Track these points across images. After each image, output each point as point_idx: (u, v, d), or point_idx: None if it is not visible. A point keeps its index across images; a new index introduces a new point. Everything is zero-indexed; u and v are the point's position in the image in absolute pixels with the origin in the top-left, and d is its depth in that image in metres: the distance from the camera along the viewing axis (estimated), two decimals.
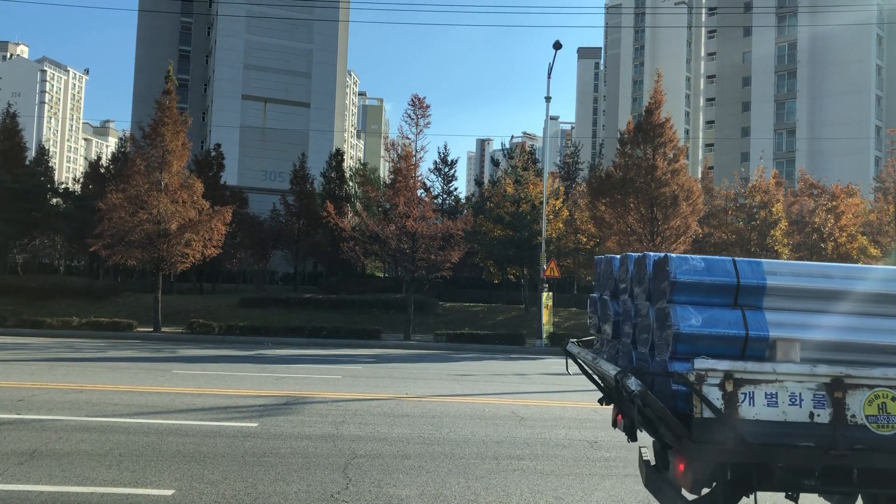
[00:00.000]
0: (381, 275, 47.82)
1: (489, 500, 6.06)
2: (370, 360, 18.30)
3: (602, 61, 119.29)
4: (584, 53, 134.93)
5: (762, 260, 4.36)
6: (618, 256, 5.61)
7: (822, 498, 4.91)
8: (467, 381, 14.36)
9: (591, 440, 8.67)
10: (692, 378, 3.76)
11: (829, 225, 31.61)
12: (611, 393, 5.52)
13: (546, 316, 25.58)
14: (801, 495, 4.15)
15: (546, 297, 25.68)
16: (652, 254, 4.64)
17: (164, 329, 25.25)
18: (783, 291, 4.17)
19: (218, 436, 8.09)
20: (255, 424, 8.81)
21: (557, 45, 24.25)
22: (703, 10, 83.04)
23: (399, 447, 7.86)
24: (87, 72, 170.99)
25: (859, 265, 5.07)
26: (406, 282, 27.21)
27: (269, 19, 58.36)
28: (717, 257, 4.39)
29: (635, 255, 5.01)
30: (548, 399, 12.17)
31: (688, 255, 4.31)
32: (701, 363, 3.79)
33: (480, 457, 7.58)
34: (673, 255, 4.27)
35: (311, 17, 60.09)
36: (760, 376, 3.79)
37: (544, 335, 24.93)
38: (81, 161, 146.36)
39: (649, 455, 5.19)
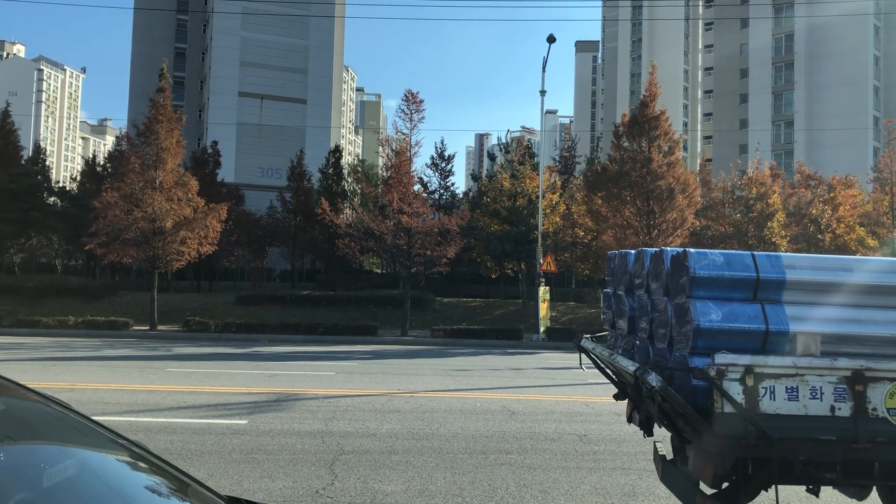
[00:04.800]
0: (378, 271, 47.77)
1: (474, 495, 6.05)
2: (365, 357, 18.30)
3: (600, 55, 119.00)
4: (582, 47, 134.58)
5: (781, 254, 4.34)
6: (633, 252, 5.55)
7: (835, 489, 4.90)
8: (461, 377, 14.35)
9: (581, 434, 8.66)
10: (713, 373, 3.74)
11: (826, 216, 31.60)
12: (626, 388, 5.50)
13: (543, 310, 25.57)
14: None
15: (543, 292, 25.66)
16: (669, 249, 4.61)
17: (160, 327, 25.25)
18: (803, 285, 4.15)
19: (206, 433, 8.07)
20: (244, 421, 8.79)
21: (551, 39, 24.19)
22: (701, 2, 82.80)
23: (387, 443, 7.85)
24: (83, 70, 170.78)
25: (880, 258, 5.02)
26: (403, 278, 27.20)
27: (264, 16, 58.21)
28: (736, 252, 4.35)
29: (651, 250, 4.98)
30: (541, 393, 12.15)
31: (707, 250, 4.27)
32: (721, 358, 3.77)
33: (468, 451, 7.56)
34: (692, 249, 4.24)
35: (306, 13, 59.93)
36: (781, 370, 3.77)
37: (541, 329, 24.92)
38: (79, 160, 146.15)
39: (665, 450, 5.17)
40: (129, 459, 1.95)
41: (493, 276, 36.96)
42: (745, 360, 3.77)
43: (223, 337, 23.61)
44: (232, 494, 5.66)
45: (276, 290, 35.45)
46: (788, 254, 4.37)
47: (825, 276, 4.17)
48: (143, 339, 22.77)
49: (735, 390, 3.74)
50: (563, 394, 12.04)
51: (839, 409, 3.77)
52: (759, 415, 3.73)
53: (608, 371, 5.65)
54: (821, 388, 3.78)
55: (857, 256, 5.26)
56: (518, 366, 17.10)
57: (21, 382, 2.02)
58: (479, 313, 31.17)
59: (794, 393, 3.77)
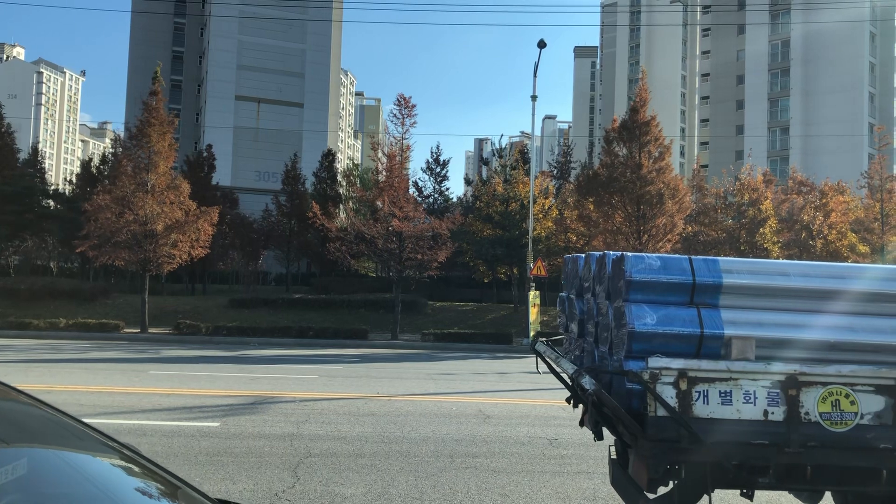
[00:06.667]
0: (373, 275, 47.81)
1: (434, 498, 6.08)
2: (353, 360, 18.32)
3: (598, 60, 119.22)
4: (581, 52, 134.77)
5: (719, 258, 4.37)
6: (583, 256, 5.62)
7: (791, 495, 4.94)
8: (444, 381, 14.38)
9: (552, 438, 8.69)
10: (646, 377, 3.77)
11: (818, 222, 31.65)
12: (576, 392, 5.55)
13: (533, 315, 25.55)
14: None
15: (533, 296, 25.66)
16: (611, 253, 4.64)
17: (152, 330, 25.26)
18: (739, 289, 4.17)
19: (176, 436, 8.10)
20: (216, 424, 8.82)
21: (542, 44, 24.29)
22: (698, 8, 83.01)
23: (356, 446, 7.88)
24: (83, 73, 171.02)
25: (816, 262, 5.07)
26: (394, 281, 27.24)
27: (262, 19, 58.34)
28: (674, 256, 4.39)
29: (597, 254, 5.02)
30: (519, 397, 12.18)
31: (644, 254, 4.31)
32: (655, 362, 3.80)
33: (436, 455, 7.59)
34: (629, 253, 4.28)
35: (304, 17, 60.08)
36: (714, 374, 3.79)
37: (531, 334, 24.93)
38: (78, 163, 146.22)
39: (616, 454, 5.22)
40: (119, 461, 1.96)
41: (486, 281, 36.96)
42: (678, 363, 3.80)
43: (213, 340, 23.63)
44: None
45: (269, 294, 35.47)
46: (726, 258, 4.41)
47: (762, 281, 4.20)
48: (133, 342, 22.79)
49: (668, 394, 3.77)
50: (542, 398, 12.06)
51: (772, 413, 3.79)
52: (692, 418, 3.75)
53: (563, 376, 5.69)
54: (754, 392, 3.81)
55: (797, 261, 5.30)
56: (504, 370, 17.13)
57: (9, 384, 2.03)
58: (470, 317, 31.18)
59: (728, 397, 3.80)
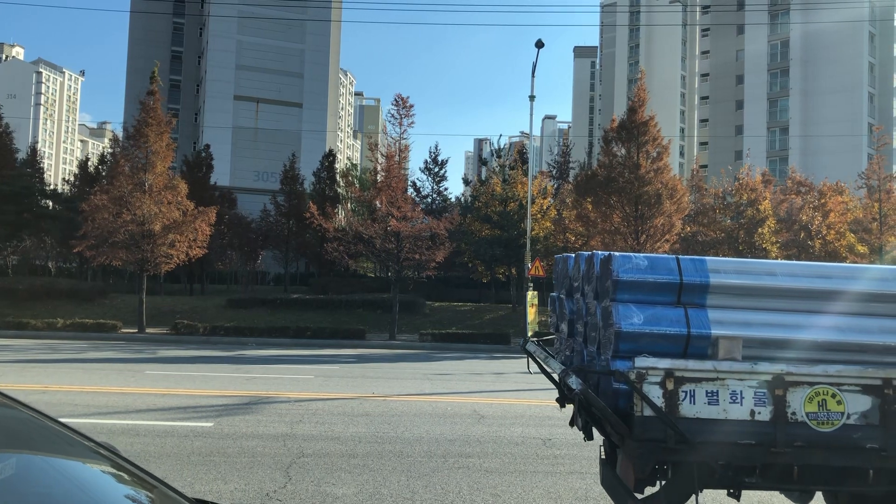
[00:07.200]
0: (371, 275, 47.79)
1: (425, 498, 6.07)
2: (350, 360, 18.31)
3: (598, 60, 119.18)
4: (581, 52, 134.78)
5: (707, 258, 4.36)
6: (573, 255, 5.62)
7: (783, 495, 4.94)
8: (440, 381, 14.37)
9: (546, 438, 8.68)
10: (633, 376, 3.77)
11: (816, 222, 31.65)
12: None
13: (531, 315, 25.52)
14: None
15: (531, 296, 25.63)
16: (599, 252, 4.64)
17: (149, 330, 25.24)
18: (726, 289, 4.17)
19: (169, 436, 8.10)
20: (210, 424, 8.81)
21: (539, 45, 24.28)
22: (698, 9, 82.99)
23: (349, 446, 7.87)
24: (82, 73, 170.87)
25: (804, 262, 5.07)
26: (392, 282, 27.22)
27: (260, 20, 58.33)
28: (661, 255, 4.38)
29: (586, 253, 5.01)
30: (515, 397, 12.17)
31: (631, 254, 4.31)
32: (641, 361, 3.79)
33: (429, 455, 7.58)
34: (617, 253, 4.27)
35: (303, 17, 60.07)
36: (701, 374, 3.79)
37: (529, 334, 24.92)
38: (77, 163, 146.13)
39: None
40: (95, 461, 1.95)
41: (485, 281, 36.97)
42: (665, 363, 3.79)
43: (211, 340, 23.61)
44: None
45: (267, 294, 35.45)
46: (714, 258, 4.41)
47: (749, 281, 4.20)
48: (131, 342, 22.77)
49: (655, 394, 3.76)
50: (537, 398, 12.04)
51: (759, 413, 3.79)
52: (679, 418, 3.75)
53: (553, 376, 5.68)
54: (741, 392, 3.80)
55: (784, 261, 5.30)
56: (500, 370, 17.12)
57: None
58: (469, 318, 31.16)
59: (715, 397, 3.80)
